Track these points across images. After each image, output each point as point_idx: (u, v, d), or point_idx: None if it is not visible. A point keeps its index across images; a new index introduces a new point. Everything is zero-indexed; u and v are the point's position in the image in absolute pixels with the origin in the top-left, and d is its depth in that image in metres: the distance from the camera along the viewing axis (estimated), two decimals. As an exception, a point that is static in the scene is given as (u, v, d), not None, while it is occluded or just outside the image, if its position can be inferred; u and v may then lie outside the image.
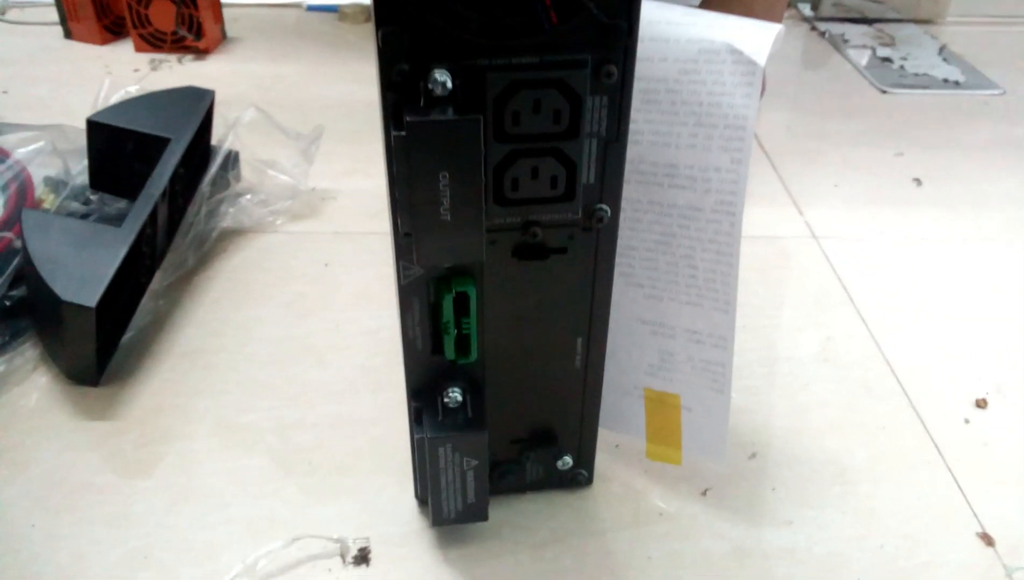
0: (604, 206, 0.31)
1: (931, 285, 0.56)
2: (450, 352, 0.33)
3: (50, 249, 0.44)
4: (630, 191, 0.36)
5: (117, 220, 0.54)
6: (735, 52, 0.34)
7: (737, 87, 0.34)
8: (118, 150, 0.53)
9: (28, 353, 0.47)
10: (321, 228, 0.61)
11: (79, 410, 0.44)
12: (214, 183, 0.58)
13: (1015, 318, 0.53)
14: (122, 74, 0.88)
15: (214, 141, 0.61)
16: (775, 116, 0.79)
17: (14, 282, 0.47)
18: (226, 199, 0.60)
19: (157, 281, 0.53)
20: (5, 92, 0.83)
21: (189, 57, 0.92)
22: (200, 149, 0.57)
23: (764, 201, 0.65)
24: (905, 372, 0.48)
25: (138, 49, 0.94)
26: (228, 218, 0.60)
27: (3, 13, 1.06)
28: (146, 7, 0.91)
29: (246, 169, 0.63)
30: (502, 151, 0.29)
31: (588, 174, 0.31)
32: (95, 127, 0.53)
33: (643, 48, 0.34)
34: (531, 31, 0.27)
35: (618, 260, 0.35)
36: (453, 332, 0.32)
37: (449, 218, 0.28)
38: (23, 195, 0.50)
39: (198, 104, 0.55)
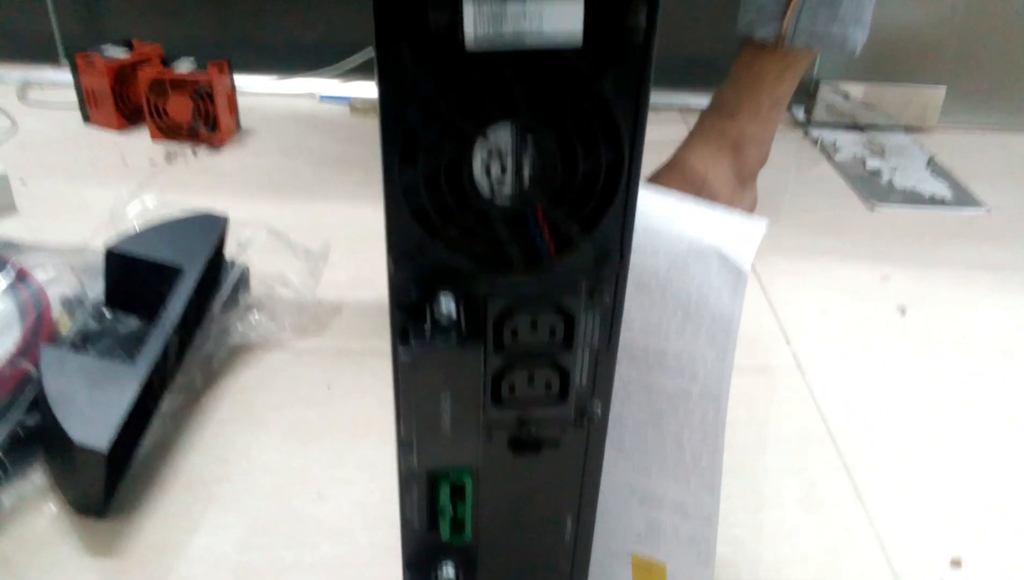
0: (595, 405, 0.34)
1: (913, 422, 0.58)
2: (445, 533, 0.35)
3: (64, 387, 0.46)
4: (622, 370, 0.38)
5: (130, 340, 0.56)
6: (722, 256, 0.36)
7: (723, 288, 0.36)
8: (133, 276, 0.56)
9: (38, 481, 0.49)
10: (326, 345, 0.63)
11: (84, 544, 0.46)
12: (224, 303, 0.60)
13: (996, 460, 0.54)
14: (138, 166, 0.91)
15: (227, 254, 0.64)
16: (768, 230, 0.82)
17: (28, 408, 0.49)
18: (235, 315, 0.63)
19: (166, 404, 0.55)
20: (24, 184, 0.86)
21: (203, 149, 0.95)
22: (212, 274, 0.59)
23: (754, 328, 0.67)
24: (884, 521, 0.49)
25: (154, 137, 0.97)
26: (236, 334, 0.62)
27: (24, 95, 1.10)
28: (164, 100, 0.94)
29: (255, 283, 0.66)
30: (500, 360, 0.31)
31: (580, 377, 0.33)
32: (113, 256, 0.55)
33: (636, 238, 0.37)
34: (531, 265, 0.29)
35: (609, 431, 0.37)
36: (449, 515, 0.34)
37: (449, 431, 0.30)
38: (41, 322, 0.52)
39: (211, 233, 0.58)
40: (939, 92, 1.08)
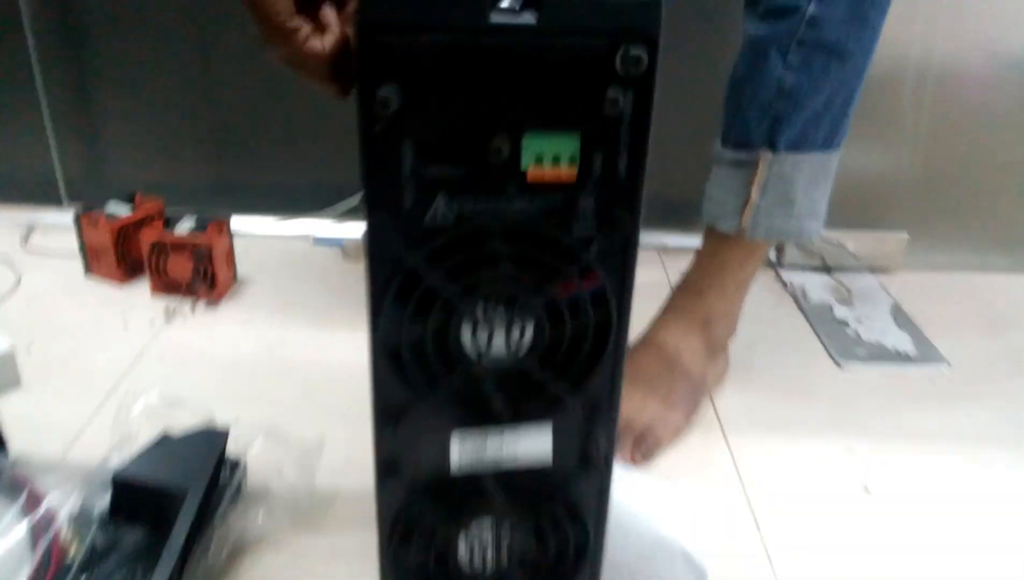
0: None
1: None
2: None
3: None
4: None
5: (137, 555, 0.59)
6: (686, 555, 0.40)
7: (685, 584, 0.40)
8: (139, 497, 0.59)
9: None
10: (318, 544, 0.66)
11: None
12: (224, 513, 0.64)
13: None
14: (139, 327, 0.95)
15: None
16: (738, 395, 0.87)
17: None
18: (233, 515, 0.66)
19: (167, 623, 0.58)
20: (28, 352, 0.89)
21: (202, 305, 0.99)
22: (213, 486, 0.62)
23: (726, 511, 0.71)
24: None
25: (154, 292, 1.01)
26: (234, 535, 0.65)
27: (26, 240, 1.14)
28: (165, 260, 0.98)
29: (251, 476, 0.69)
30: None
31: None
32: (119, 481, 0.59)
33: (610, 532, 0.41)
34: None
35: None
36: None
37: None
38: (50, 553, 0.56)
39: (212, 450, 0.61)
40: (902, 237, 1.14)
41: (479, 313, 0.29)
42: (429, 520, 0.29)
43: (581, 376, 0.32)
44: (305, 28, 0.45)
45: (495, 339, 0.29)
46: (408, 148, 0.30)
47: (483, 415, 0.31)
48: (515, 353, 0.30)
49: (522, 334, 0.30)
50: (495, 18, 0.31)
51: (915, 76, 1.06)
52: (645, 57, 0.29)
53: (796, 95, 0.72)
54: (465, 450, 0.29)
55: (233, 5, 1.10)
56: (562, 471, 0.30)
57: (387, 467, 0.34)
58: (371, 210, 0.29)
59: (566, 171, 0.30)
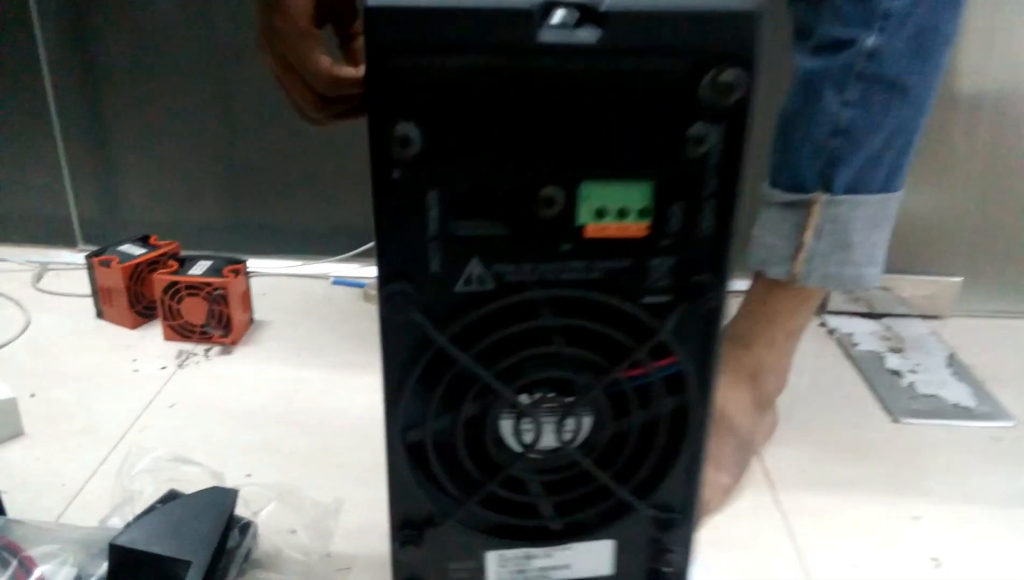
0: None
1: None
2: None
3: None
4: None
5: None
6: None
7: None
8: (139, 567, 0.54)
9: None
10: (334, 618, 0.61)
11: None
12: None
13: None
14: (149, 375, 0.90)
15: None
16: (789, 453, 0.80)
17: None
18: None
19: None
20: (33, 396, 0.85)
21: (216, 350, 0.95)
22: (220, 551, 0.57)
23: (782, 588, 0.65)
24: None
25: (167, 338, 0.96)
26: (241, 607, 0.60)
27: (38, 280, 1.11)
28: (178, 302, 0.94)
29: (262, 541, 0.64)
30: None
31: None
32: (117, 549, 0.53)
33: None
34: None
35: None
36: None
37: None
38: (39, 630, 0.50)
39: (220, 513, 0.56)
40: (955, 283, 1.08)
41: (524, 401, 0.23)
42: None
43: (652, 478, 0.25)
44: (317, 40, 0.41)
45: (544, 433, 0.23)
46: (435, 200, 0.23)
47: (527, 527, 0.24)
48: (569, 449, 0.24)
49: (578, 426, 0.24)
50: (545, 36, 0.24)
51: (968, 109, 1.00)
52: (740, 83, 0.23)
53: (854, 133, 0.67)
54: (505, 570, 0.22)
55: (250, 47, 1.08)
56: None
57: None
58: (388, 276, 0.22)
59: (635, 226, 0.24)
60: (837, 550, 0.68)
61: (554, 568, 0.22)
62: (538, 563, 0.22)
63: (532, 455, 0.23)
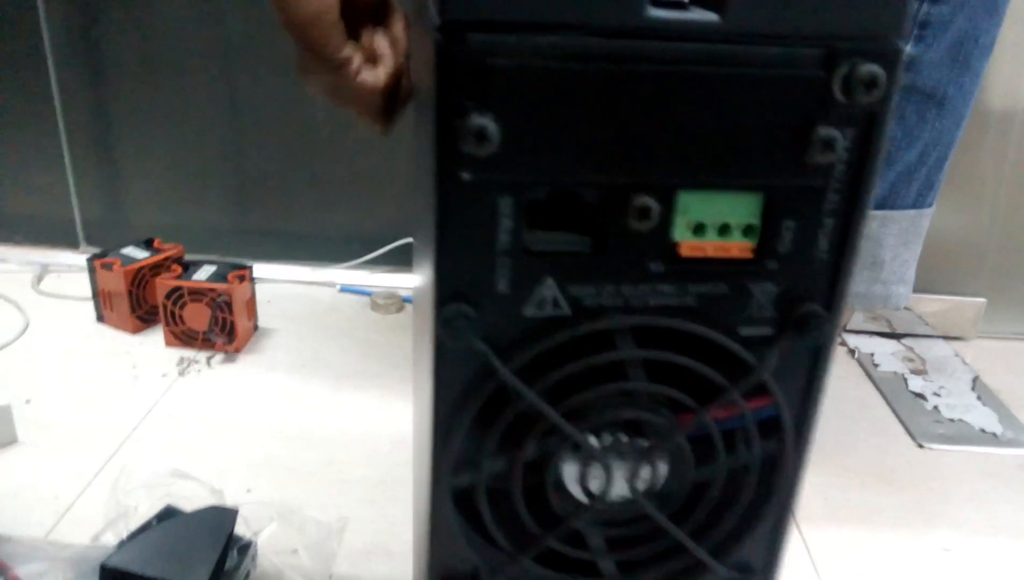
0: None
1: None
2: None
3: None
4: None
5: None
6: None
7: None
8: (131, 590, 0.51)
9: None
10: (336, 645, 0.58)
11: None
12: (228, 606, 0.55)
13: None
14: (150, 381, 0.87)
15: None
16: (811, 478, 0.77)
17: None
18: (239, 608, 0.57)
19: None
20: (28, 403, 0.82)
21: (219, 358, 0.92)
22: (218, 575, 0.54)
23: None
24: None
25: (168, 343, 0.94)
26: (239, 632, 0.57)
27: (39, 282, 1.08)
28: (181, 308, 0.91)
29: (262, 561, 0.61)
30: None
31: None
32: (108, 571, 0.50)
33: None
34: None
35: None
36: None
37: None
38: (24, 656, 0.47)
39: (218, 533, 0.53)
40: (979, 304, 1.05)
41: (593, 444, 0.20)
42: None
43: (735, 535, 0.22)
44: (357, 59, 0.38)
45: (614, 481, 0.20)
46: (508, 207, 0.20)
47: None
48: (640, 500, 0.20)
49: (653, 473, 0.20)
50: (655, 13, 0.21)
51: (998, 125, 0.98)
52: (881, 79, 0.20)
53: (888, 146, 0.64)
54: None
55: (260, 48, 1.05)
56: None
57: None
58: (448, 296, 0.19)
59: (738, 246, 0.21)
60: (864, 582, 0.65)
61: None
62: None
63: (599, 506, 0.20)
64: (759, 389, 0.21)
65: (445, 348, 0.20)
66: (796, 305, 0.21)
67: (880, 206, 0.66)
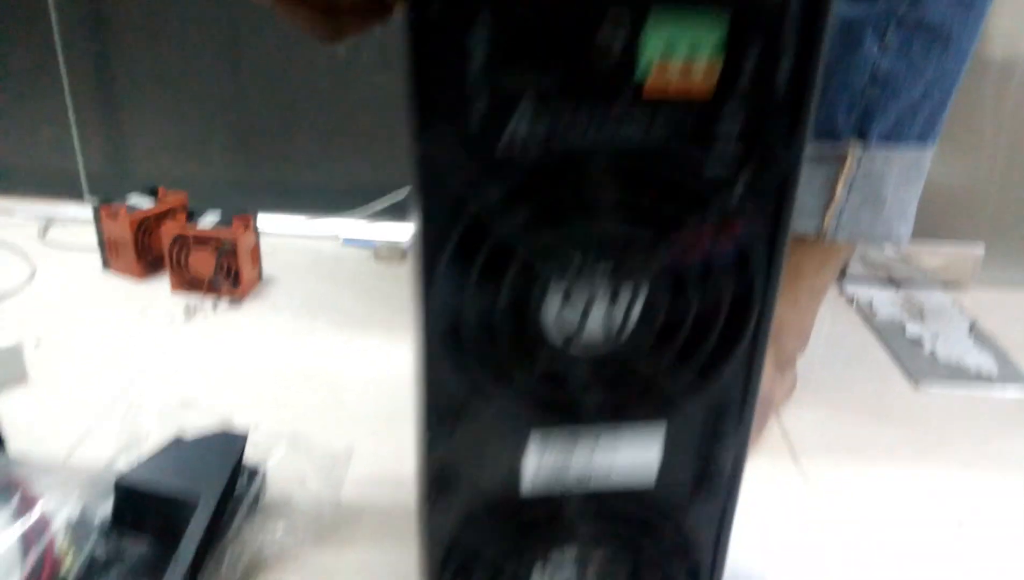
0: None
1: None
2: None
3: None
4: None
5: (140, 569, 0.52)
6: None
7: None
8: (145, 505, 0.52)
9: None
10: (344, 562, 0.59)
11: None
12: (240, 526, 0.57)
13: None
14: (156, 324, 0.88)
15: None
16: (808, 414, 0.78)
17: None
18: (249, 528, 0.59)
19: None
20: (38, 345, 0.83)
21: (224, 303, 0.93)
22: (229, 494, 0.55)
23: (801, 552, 0.63)
24: None
25: (174, 289, 0.95)
26: (249, 551, 0.58)
27: (44, 233, 1.09)
28: (186, 254, 0.92)
29: (272, 485, 0.62)
30: None
31: None
32: (123, 487, 0.52)
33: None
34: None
35: None
36: None
37: None
38: (42, 564, 0.49)
39: (229, 455, 0.54)
40: (977, 250, 1.05)
41: (570, 279, 0.20)
42: (492, 552, 0.20)
43: (707, 369, 0.22)
44: None
45: (592, 315, 0.20)
46: (479, 41, 0.20)
47: (569, 417, 0.22)
48: (617, 335, 0.21)
49: (629, 309, 0.21)
50: None
51: (997, 75, 0.98)
52: None
53: (893, 81, 0.64)
54: (543, 464, 0.20)
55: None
56: (671, 495, 0.22)
57: (439, 481, 0.24)
58: (423, 132, 0.19)
59: (704, 73, 0.21)
60: (857, 511, 0.67)
61: (594, 472, 0.20)
62: (578, 463, 0.20)
63: (577, 341, 0.21)
64: (729, 224, 0.21)
65: (423, 184, 0.20)
66: (761, 136, 0.21)
67: (885, 139, 0.67)
